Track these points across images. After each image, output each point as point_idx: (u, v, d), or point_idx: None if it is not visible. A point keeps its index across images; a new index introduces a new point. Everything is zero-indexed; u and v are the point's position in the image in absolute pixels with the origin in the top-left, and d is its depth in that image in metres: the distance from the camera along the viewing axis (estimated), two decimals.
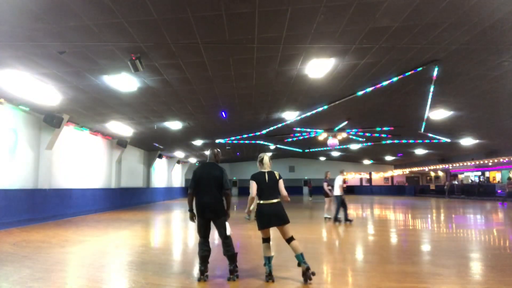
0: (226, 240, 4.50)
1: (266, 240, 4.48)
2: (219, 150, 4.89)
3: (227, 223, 4.53)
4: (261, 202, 4.42)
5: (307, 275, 4.18)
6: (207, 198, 4.47)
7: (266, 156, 4.65)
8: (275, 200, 4.41)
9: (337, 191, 10.53)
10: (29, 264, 5.22)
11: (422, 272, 4.90)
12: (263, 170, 4.57)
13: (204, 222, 4.51)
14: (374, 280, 4.38)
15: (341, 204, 10.39)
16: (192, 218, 4.59)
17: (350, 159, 35.36)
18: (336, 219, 10.39)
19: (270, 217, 4.37)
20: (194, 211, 4.56)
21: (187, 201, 4.65)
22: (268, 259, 4.36)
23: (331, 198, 11.23)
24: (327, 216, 11.17)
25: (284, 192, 4.50)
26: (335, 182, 10.71)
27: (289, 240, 4.42)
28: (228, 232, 4.49)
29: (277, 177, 4.51)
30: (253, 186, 4.47)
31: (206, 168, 4.65)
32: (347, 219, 10.35)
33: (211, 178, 4.52)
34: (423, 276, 4.65)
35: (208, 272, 4.44)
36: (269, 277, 4.28)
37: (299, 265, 4.29)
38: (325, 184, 11.44)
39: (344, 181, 10.98)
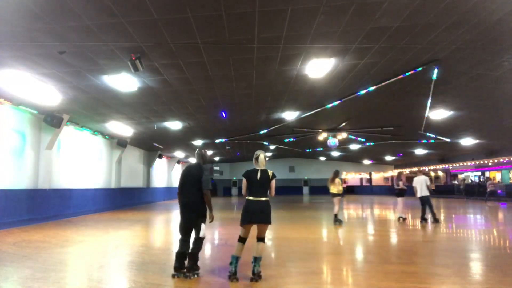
0: (198, 240, 4.59)
1: (243, 240, 4.48)
2: (205, 150, 5.04)
3: (203, 225, 4.61)
4: (250, 198, 4.45)
5: (255, 277, 4.23)
6: (187, 198, 4.63)
7: (262, 154, 4.66)
8: (263, 198, 4.42)
9: (425, 191, 10.43)
10: (29, 264, 5.22)
11: (422, 272, 4.90)
12: (257, 168, 4.59)
13: (184, 221, 4.65)
14: (374, 280, 4.38)
15: (426, 204, 10.44)
16: None
17: (350, 159, 35.34)
18: (435, 220, 10.36)
19: (254, 214, 4.37)
20: None
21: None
22: (236, 259, 4.37)
23: (404, 199, 11.31)
24: (402, 216, 11.15)
25: (273, 192, 4.54)
26: (417, 183, 10.57)
27: (260, 239, 4.44)
28: (202, 234, 4.57)
29: (270, 176, 4.51)
30: (244, 184, 4.57)
31: (190, 169, 4.84)
32: (423, 218, 10.45)
33: (192, 178, 4.67)
34: (423, 276, 4.65)
35: (184, 269, 4.46)
36: (233, 276, 4.27)
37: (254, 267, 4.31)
38: (401, 183, 11.48)
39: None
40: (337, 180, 10.53)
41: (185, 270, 4.47)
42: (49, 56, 7.00)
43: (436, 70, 8.35)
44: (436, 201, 23.03)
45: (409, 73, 8.56)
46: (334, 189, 10.46)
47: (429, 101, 10.83)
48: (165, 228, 10.71)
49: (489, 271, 4.93)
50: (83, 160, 15.14)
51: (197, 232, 4.59)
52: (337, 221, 10.16)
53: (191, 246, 4.61)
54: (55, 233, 8.44)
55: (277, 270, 4.72)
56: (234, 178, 37.89)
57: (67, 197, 13.52)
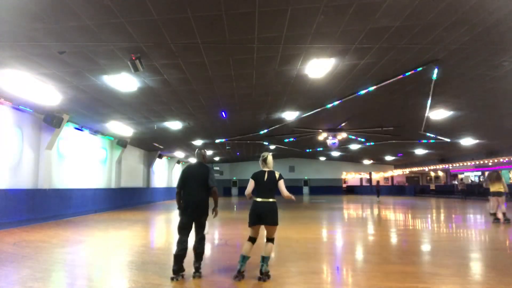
0: (202, 239, 4.60)
1: (252, 239, 4.49)
2: (205, 150, 5.07)
3: (206, 223, 4.63)
4: (257, 199, 4.46)
5: (263, 277, 4.26)
6: (191, 196, 4.58)
7: (270, 156, 4.67)
8: (270, 200, 4.43)
9: None
10: (29, 264, 5.22)
11: (422, 272, 4.90)
12: (264, 169, 4.60)
13: (186, 220, 4.59)
14: (374, 280, 4.38)
15: None
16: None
17: (350, 159, 35.34)
18: None
19: (261, 215, 4.39)
20: None
21: (176, 201, 4.76)
22: (243, 258, 4.36)
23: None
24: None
25: (285, 192, 4.49)
26: None
27: (269, 240, 4.47)
28: (205, 231, 4.61)
29: (277, 178, 4.51)
30: (250, 184, 4.55)
31: (192, 167, 4.81)
32: None
33: (196, 176, 4.64)
34: (423, 276, 4.65)
35: (184, 271, 4.46)
36: (237, 274, 4.29)
37: (261, 266, 4.33)
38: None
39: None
40: (503, 178, 10.65)
41: (194, 271, 4.47)
42: (49, 56, 7.00)
43: (436, 70, 8.36)
44: (436, 201, 23.04)
45: (409, 73, 8.57)
46: (501, 188, 10.42)
47: (429, 101, 10.84)
48: (165, 228, 10.71)
49: (488, 271, 4.92)
50: (83, 160, 15.14)
51: (201, 231, 4.60)
52: (506, 220, 10.07)
53: (194, 245, 4.56)
54: (55, 233, 8.44)
55: (277, 270, 4.71)
56: (234, 178, 37.89)
57: (67, 197, 13.51)
